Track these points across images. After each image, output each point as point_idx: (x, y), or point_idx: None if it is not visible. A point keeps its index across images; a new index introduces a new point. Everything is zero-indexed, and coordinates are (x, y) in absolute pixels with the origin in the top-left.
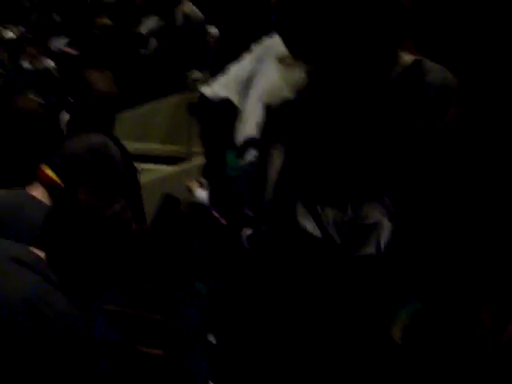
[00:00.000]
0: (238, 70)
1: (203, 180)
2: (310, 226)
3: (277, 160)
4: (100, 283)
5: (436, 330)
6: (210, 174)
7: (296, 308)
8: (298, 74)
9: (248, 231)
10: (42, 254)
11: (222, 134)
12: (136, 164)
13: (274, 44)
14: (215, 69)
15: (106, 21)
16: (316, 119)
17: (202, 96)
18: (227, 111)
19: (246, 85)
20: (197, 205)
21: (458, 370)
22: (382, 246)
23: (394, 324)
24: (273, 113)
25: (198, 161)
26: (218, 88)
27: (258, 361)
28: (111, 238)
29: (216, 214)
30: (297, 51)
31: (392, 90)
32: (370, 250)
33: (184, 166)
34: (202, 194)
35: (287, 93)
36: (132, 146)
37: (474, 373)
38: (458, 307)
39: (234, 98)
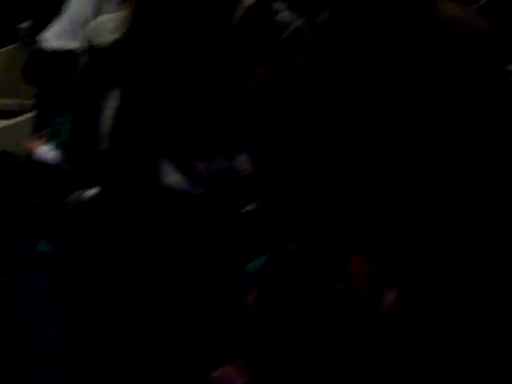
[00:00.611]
0: (77, 10)
1: (42, 134)
2: (181, 182)
3: (109, 107)
4: None
5: (295, 297)
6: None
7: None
8: (128, 12)
9: (91, 191)
10: None
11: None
12: None
13: None
14: (48, 16)
15: None
16: (154, 63)
17: (43, 51)
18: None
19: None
20: (36, 161)
21: (333, 340)
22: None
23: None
24: (100, 55)
25: (31, 114)
26: (62, 40)
27: (113, 322)
28: None
29: None
30: None
31: (235, 31)
32: (253, 205)
33: (17, 119)
34: (42, 149)
35: (115, 33)
36: None
37: (352, 344)
38: (326, 267)
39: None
